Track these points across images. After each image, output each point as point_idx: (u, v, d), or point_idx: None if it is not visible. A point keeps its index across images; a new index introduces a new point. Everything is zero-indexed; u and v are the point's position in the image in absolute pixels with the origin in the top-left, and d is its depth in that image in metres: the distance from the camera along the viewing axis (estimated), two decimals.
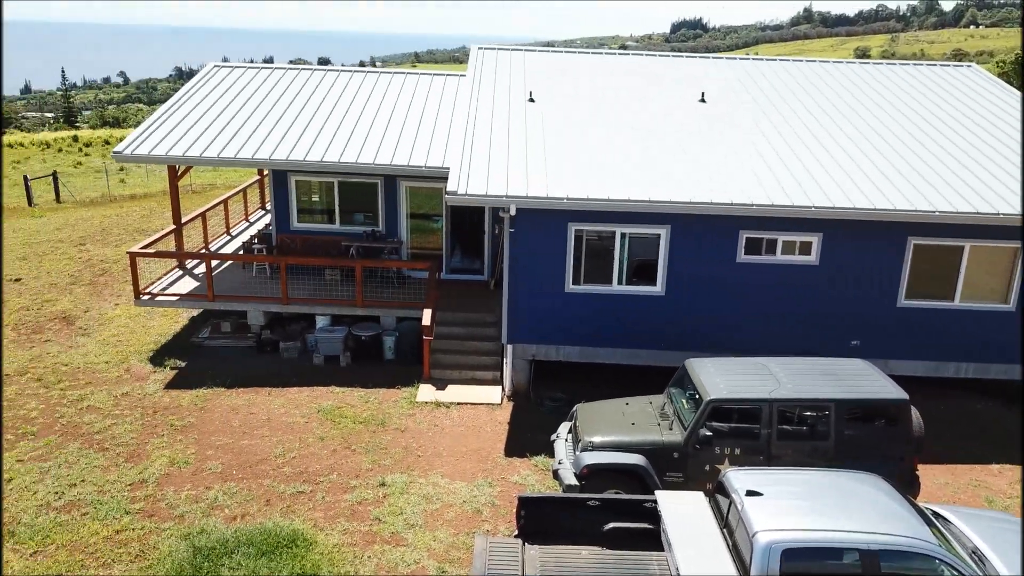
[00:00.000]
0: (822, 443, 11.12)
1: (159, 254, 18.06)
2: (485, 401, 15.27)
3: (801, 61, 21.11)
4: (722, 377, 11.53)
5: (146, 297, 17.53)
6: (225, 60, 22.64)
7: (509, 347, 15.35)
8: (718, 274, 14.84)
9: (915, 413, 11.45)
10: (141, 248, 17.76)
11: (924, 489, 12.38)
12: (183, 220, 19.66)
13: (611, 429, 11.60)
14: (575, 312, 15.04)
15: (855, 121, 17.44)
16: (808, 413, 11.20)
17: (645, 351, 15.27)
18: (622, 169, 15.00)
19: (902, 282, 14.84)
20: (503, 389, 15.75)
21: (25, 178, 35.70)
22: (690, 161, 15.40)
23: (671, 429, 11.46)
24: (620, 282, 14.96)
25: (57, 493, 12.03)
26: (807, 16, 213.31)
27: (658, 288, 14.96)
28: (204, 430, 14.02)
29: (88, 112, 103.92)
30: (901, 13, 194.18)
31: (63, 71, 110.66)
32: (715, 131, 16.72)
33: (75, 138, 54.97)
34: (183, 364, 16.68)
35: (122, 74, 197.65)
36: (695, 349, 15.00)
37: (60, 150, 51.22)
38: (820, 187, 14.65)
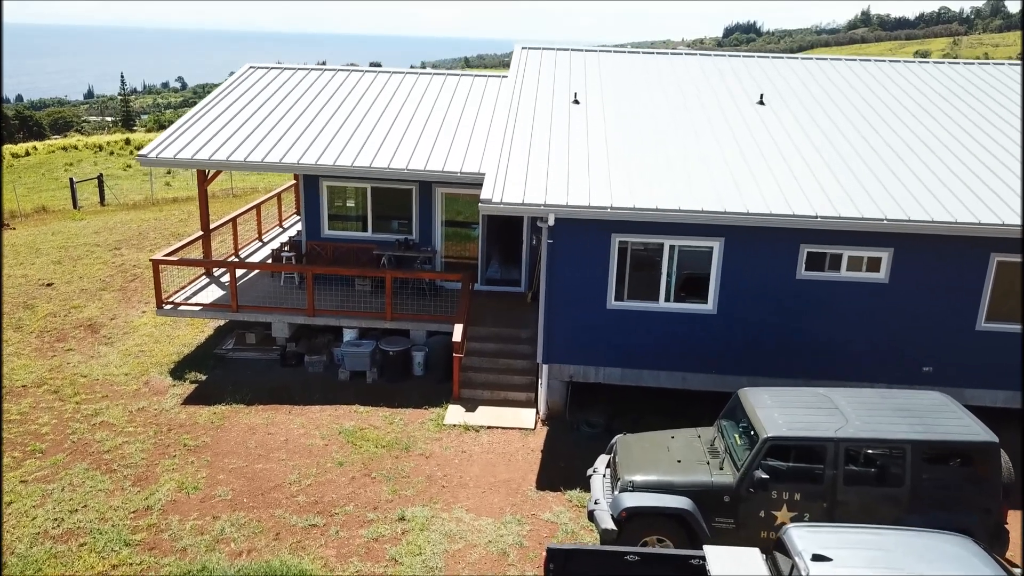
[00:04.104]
0: (895, 490, 9.76)
1: (182, 262, 17.29)
2: (517, 425, 14.14)
3: (868, 61, 19.58)
4: (780, 411, 10.24)
5: (168, 307, 16.79)
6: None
7: (545, 367, 14.22)
8: (776, 291, 13.52)
9: (1005, 458, 10.02)
10: (165, 255, 17.06)
11: (1015, 542, 10.91)
12: (212, 226, 18.96)
13: (654, 467, 10.39)
14: (617, 331, 13.84)
15: (930, 125, 15.94)
16: (880, 455, 9.86)
17: (694, 375, 14.01)
18: (672, 176, 13.78)
19: (983, 303, 13.36)
20: (537, 412, 14.62)
21: (71, 181, 35.75)
22: (747, 168, 14.11)
23: (721, 469, 10.20)
24: (667, 299, 13.74)
25: (56, 520, 11.25)
26: (865, 19, 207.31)
27: (709, 306, 13.70)
28: (218, 451, 13.17)
29: (146, 116, 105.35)
30: (964, 15, 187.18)
31: (122, 76, 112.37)
32: (775, 135, 15.39)
33: (127, 141, 55.42)
34: (204, 377, 15.90)
35: (180, 79, 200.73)
36: (749, 374, 13.71)
37: (112, 153, 51.62)
38: (892, 197, 13.25)
